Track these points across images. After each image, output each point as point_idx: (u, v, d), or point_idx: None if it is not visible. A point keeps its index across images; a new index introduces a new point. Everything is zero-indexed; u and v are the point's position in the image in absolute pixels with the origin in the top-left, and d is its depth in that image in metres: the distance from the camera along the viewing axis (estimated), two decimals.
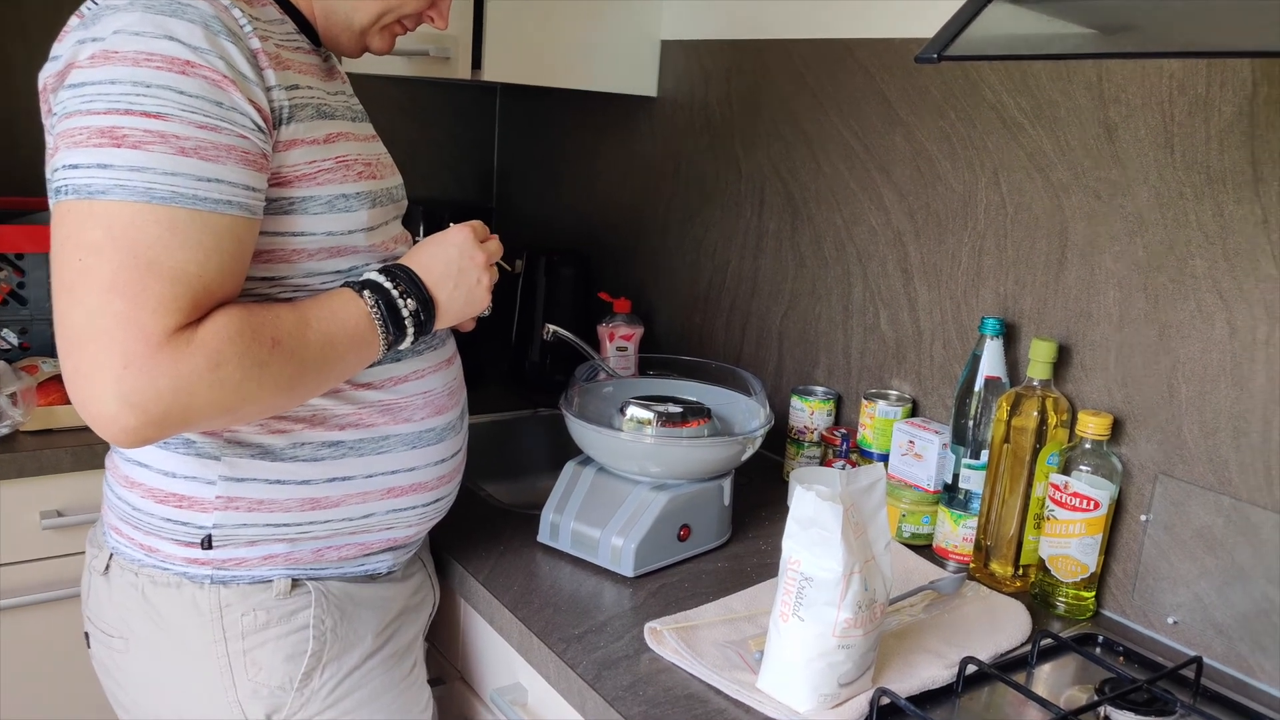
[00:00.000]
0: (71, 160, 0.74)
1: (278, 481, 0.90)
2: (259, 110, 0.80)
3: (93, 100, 0.75)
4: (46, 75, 0.82)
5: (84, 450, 1.38)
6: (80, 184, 0.74)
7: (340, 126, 0.90)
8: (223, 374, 0.76)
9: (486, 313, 1.00)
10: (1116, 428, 1.12)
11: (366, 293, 0.88)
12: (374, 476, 0.95)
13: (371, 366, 0.92)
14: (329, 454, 0.91)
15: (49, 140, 0.82)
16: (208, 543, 0.90)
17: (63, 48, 0.80)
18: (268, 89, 0.81)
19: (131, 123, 0.74)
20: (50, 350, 1.54)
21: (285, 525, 0.91)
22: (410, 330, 0.91)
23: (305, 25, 0.92)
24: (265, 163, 0.81)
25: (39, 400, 1.39)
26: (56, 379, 1.43)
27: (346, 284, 0.89)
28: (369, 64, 1.76)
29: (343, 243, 0.89)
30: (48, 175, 0.80)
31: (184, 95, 0.75)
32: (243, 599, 0.91)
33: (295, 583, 0.93)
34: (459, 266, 0.94)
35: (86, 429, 1.41)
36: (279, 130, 0.83)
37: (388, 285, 0.89)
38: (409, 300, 0.90)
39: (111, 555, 0.95)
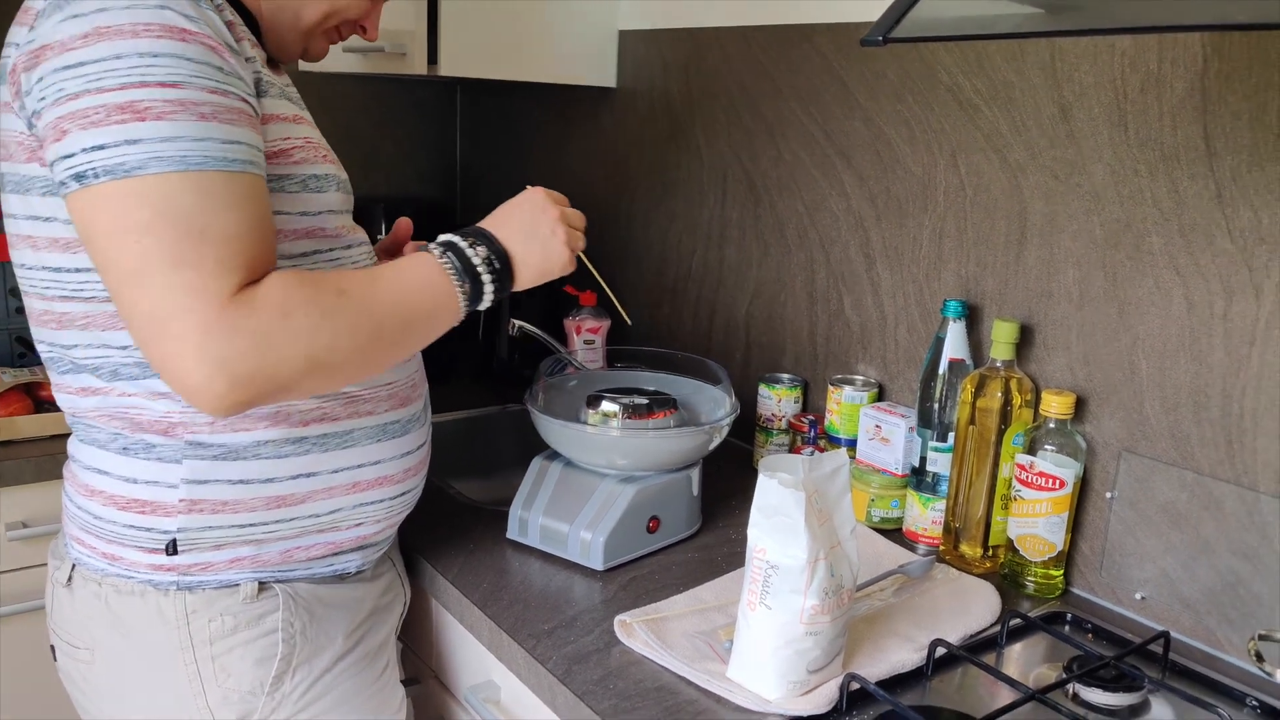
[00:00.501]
0: (94, 141, 0.73)
1: (241, 481, 0.89)
2: (247, 78, 0.81)
3: (101, 78, 0.73)
4: (14, 59, 0.78)
5: (47, 460, 1.36)
6: (112, 164, 0.73)
7: (298, 110, 0.91)
8: (293, 323, 0.76)
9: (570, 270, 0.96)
10: (1080, 406, 1.12)
11: (434, 246, 0.88)
12: (339, 471, 0.93)
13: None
14: (293, 450, 0.90)
15: (23, 128, 0.79)
16: (172, 548, 0.88)
17: (38, 32, 0.76)
18: (246, 59, 0.82)
19: (149, 95, 0.73)
20: (10, 361, 1.52)
21: (251, 525, 0.90)
22: (487, 280, 0.88)
23: (250, 23, 0.91)
24: (260, 129, 0.82)
25: (0, 411, 1.37)
26: (18, 389, 1.41)
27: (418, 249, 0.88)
28: (326, 62, 1.74)
29: (314, 224, 0.89)
30: (46, 165, 0.77)
31: (190, 62, 0.75)
32: (209, 604, 0.90)
33: (262, 586, 0.92)
34: (532, 219, 0.93)
35: (49, 439, 1.40)
36: (260, 103, 0.83)
37: (455, 238, 0.88)
38: (479, 248, 0.88)
39: (74, 566, 0.93)
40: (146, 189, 0.73)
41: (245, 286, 0.75)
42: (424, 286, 0.85)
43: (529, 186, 0.96)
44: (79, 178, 0.74)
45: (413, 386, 1.00)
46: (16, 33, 0.80)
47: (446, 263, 0.86)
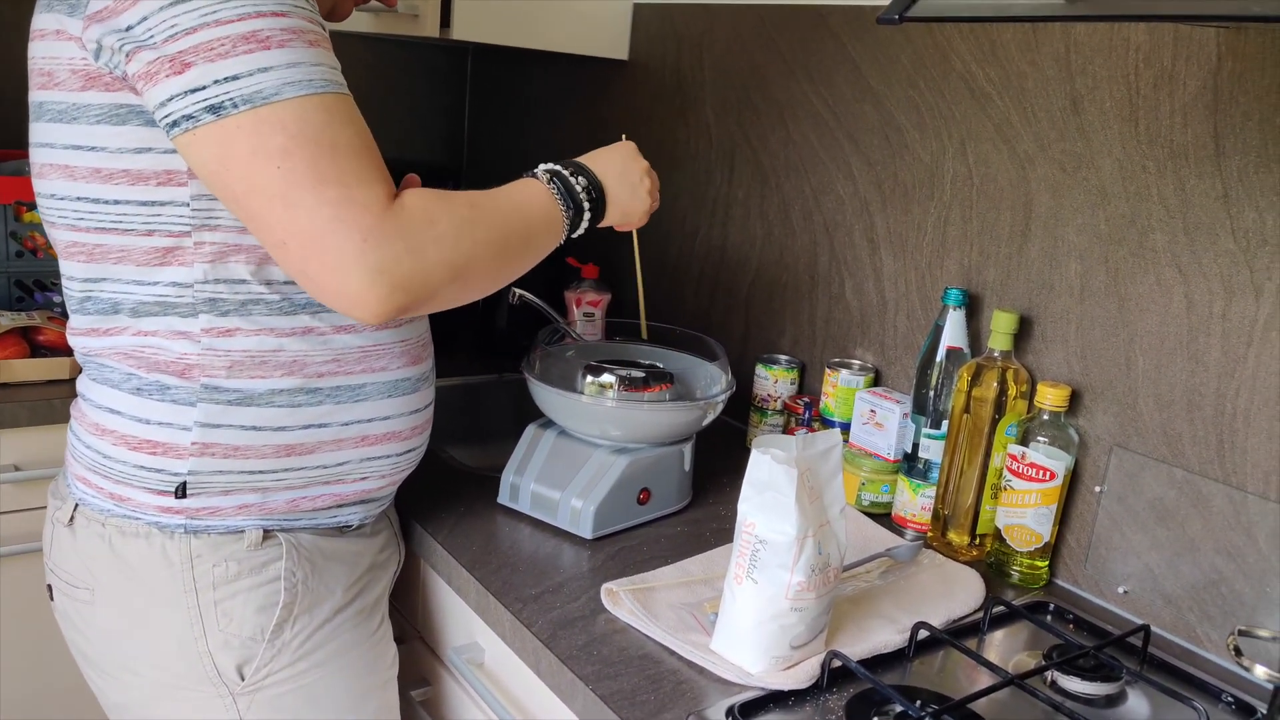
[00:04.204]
0: (226, 72, 0.75)
1: (254, 428, 0.89)
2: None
3: (218, 10, 0.75)
4: (99, 4, 0.78)
5: (41, 405, 1.36)
6: (250, 92, 0.75)
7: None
8: (439, 230, 0.80)
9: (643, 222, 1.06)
10: (1074, 399, 1.13)
11: (540, 172, 0.94)
12: (350, 424, 0.94)
13: None
14: (306, 400, 0.91)
15: (85, 56, 0.79)
16: (182, 491, 0.89)
17: None
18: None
19: (267, 24, 0.76)
20: (8, 304, 1.52)
21: (260, 473, 0.91)
22: (586, 206, 0.96)
23: None
24: None
25: None
26: (14, 332, 1.41)
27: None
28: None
29: None
30: (160, 101, 0.77)
31: None
32: (214, 549, 0.91)
33: (266, 534, 0.93)
34: (625, 164, 1.01)
35: (44, 384, 1.39)
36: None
37: (557, 166, 0.96)
38: (580, 178, 0.96)
39: (76, 506, 0.93)
40: (281, 114, 0.75)
41: (389, 196, 0.79)
42: (536, 205, 0.92)
43: (624, 138, 1.05)
44: (215, 109, 0.75)
45: (423, 345, 1.01)
46: None
47: (553, 188, 0.93)
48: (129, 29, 0.76)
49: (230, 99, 0.75)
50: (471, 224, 0.84)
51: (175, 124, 0.77)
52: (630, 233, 1.15)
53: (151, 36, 0.75)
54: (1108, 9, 0.70)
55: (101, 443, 0.91)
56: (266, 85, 0.75)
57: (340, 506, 0.98)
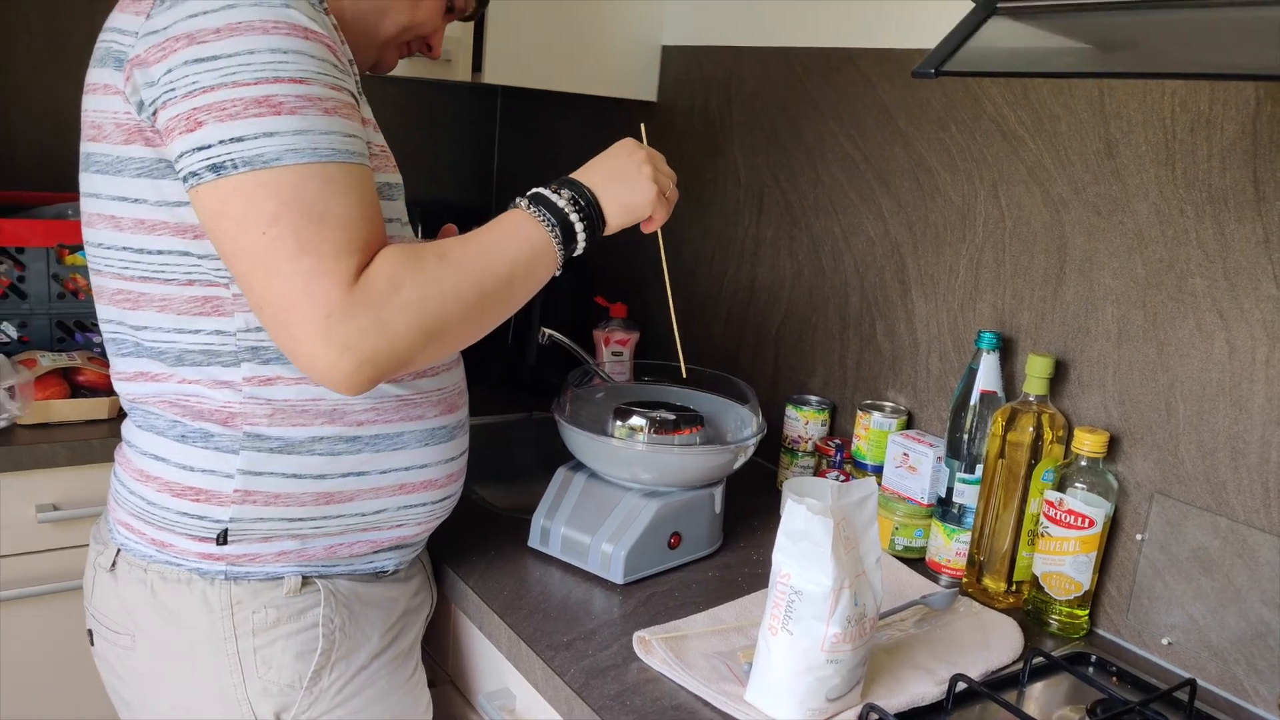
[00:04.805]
0: (232, 134, 0.76)
1: (294, 475, 0.90)
2: (352, 78, 0.84)
3: (237, 72, 0.76)
4: (141, 49, 0.79)
5: (80, 445, 1.38)
6: (251, 155, 0.76)
7: (373, 116, 0.92)
8: (404, 296, 0.78)
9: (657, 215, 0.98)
10: (1113, 445, 1.11)
11: (521, 200, 0.90)
12: (388, 473, 0.95)
13: None
14: (346, 449, 0.92)
15: (129, 110, 0.81)
16: (223, 538, 0.90)
17: (158, 21, 0.78)
18: (350, 60, 0.85)
19: (282, 90, 0.76)
20: (49, 344, 1.54)
21: (300, 520, 0.91)
22: (576, 220, 0.90)
23: None
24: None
25: (36, 394, 1.39)
26: (54, 373, 1.43)
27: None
28: None
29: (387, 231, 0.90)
30: (162, 150, 0.80)
31: (314, 59, 0.79)
32: (254, 596, 0.91)
33: (305, 580, 0.93)
34: (617, 161, 0.95)
35: (84, 424, 1.41)
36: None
37: (540, 189, 0.91)
38: (563, 191, 0.90)
39: (119, 551, 0.94)
40: (279, 180, 0.76)
41: (360, 269, 0.78)
42: (518, 239, 0.87)
43: (642, 126, 1.00)
44: (216, 168, 0.76)
45: (459, 393, 1.02)
46: (126, 20, 0.82)
47: (535, 212, 0.88)
48: (157, 81, 0.78)
49: (232, 160, 0.76)
50: (440, 281, 0.81)
51: (186, 179, 0.79)
52: (658, 240, 1.06)
53: (174, 91, 0.77)
54: (1142, 66, 0.70)
55: (146, 489, 0.91)
56: (269, 150, 0.76)
57: (377, 553, 0.98)
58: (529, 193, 0.91)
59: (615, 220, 0.94)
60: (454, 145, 2.14)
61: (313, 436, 0.90)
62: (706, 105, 1.65)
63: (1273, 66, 0.68)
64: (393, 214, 0.92)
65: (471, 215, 2.20)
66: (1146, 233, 1.08)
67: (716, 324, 1.66)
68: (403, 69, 1.69)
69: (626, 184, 0.94)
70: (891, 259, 1.37)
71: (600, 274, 1.88)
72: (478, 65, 1.55)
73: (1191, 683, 0.98)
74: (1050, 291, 1.18)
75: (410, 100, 2.07)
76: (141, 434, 0.92)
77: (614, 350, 1.68)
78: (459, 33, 1.53)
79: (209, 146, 0.76)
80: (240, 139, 0.76)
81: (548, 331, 1.35)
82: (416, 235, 1.74)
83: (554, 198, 0.90)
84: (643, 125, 1.05)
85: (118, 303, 0.89)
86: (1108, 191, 1.11)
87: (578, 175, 0.93)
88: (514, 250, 0.86)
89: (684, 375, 1.15)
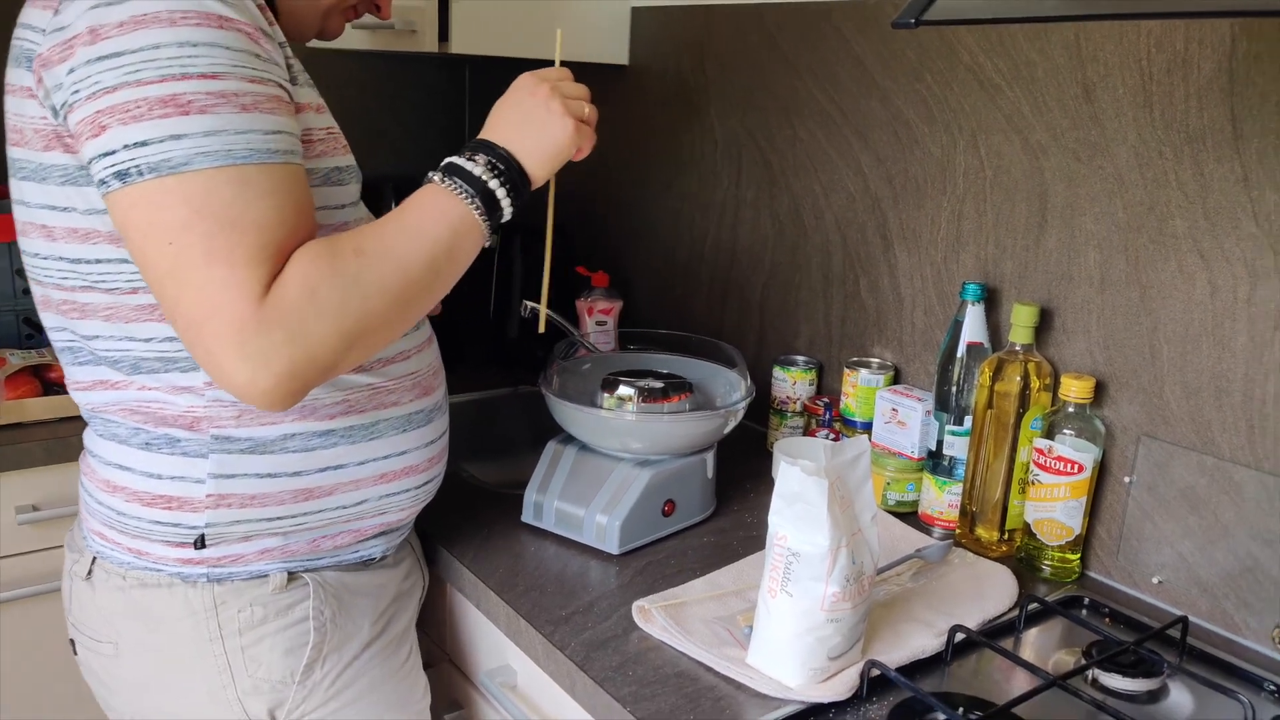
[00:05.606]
0: (136, 137, 0.70)
1: (269, 475, 0.88)
2: (281, 65, 0.79)
3: (139, 69, 0.70)
4: (45, 47, 0.74)
5: (56, 444, 1.36)
6: (157, 160, 0.70)
7: (319, 99, 0.88)
8: (321, 299, 0.73)
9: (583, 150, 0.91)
10: (1099, 390, 1.12)
11: (433, 173, 0.84)
12: (366, 463, 0.93)
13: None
14: (320, 443, 0.89)
15: (45, 115, 0.76)
16: (201, 542, 0.87)
17: (64, 17, 0.73)
18: (279, 43, 0.80)
19: (192, 87, 0.71)
20: (18, 342, 1.51)
21: (280, 519, 0.89)
22: (497, 186, 0.83)
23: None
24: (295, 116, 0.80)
25: (8, 394, 1.37)
26: (26, 371, 1.40)
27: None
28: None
29: (333, 219, 0.87)
30: (76, 156, 0.75)
31: (230, 50, 0.73)
32: (238, 595, 0.89)
33: (291, 575, 0.92)
34: (521, 106, 0.88)
35: (58, 421, 1.39)
36: (293, 91, 0.81)
37: (453, 158, 0.84)
38: (477, 156, 0.84)
39: (95, 559, 0.92)
40: (188, 185, 0.71)
41: (272, 277, 0.73)
42: (438, 218, 0.81)
43: (558, 33, 0.91)
44: (121, 176, 0.71)
45: (434, 374, 1.00)
46: (35, 15, 0.77)
47: (451, 185, 0.82)
48: (63, 83, 0.73)
49: (137, 166, 0.71)
50: (359, 279, 0.75)
51: (98, 186, 0.74)
52: (547, 184, 0.95)
53: (79, 93, 0.72)
54: (1122, 7, 0.69)
55: (114, 499, 0.89)
56: (176, 154, 0.70)
57: (362, 542, 0.97)
58: (442, 163, 0.84)
59: (539, 173, 0.88)
60: (423, 118, 2.10)
61: (284, 434, 0.87)
62: (680, 66, 1.62)
63: (1248, 3, 0.67)
64: (344, 199, 0.88)
65: None
66: (1126, 176, 1.08)
67: (700, 288, 1.65)
68: (366, 42, 1.66)
69: (540, 129, 0.87)
70: (873, 214, 1.36)
71: (580, 243, 1.87)
72: (444, 35, 1.52)
73: (1183, 620, 0.99)
74: (1033, 240, 1.17)
75: (374, 75, 2.02)
76: (104, 443, 0.89)
77: (598, 320, 1.66)
78: (423, 2, 1.50)
79: (114, 152, 0.71)
80: (144, 143, 0.70)
81: (530, 304, 1.33)
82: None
83: (469, 166, 0.83)
84: (558, 32, 0.96)
85: (64, 312, 0.85)
86: (1086, 136, 1.10)
87: (487, 134, 0.87)
88: (435, 231, 0.81)
89: (541, 330, 1.04)
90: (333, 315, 0.74)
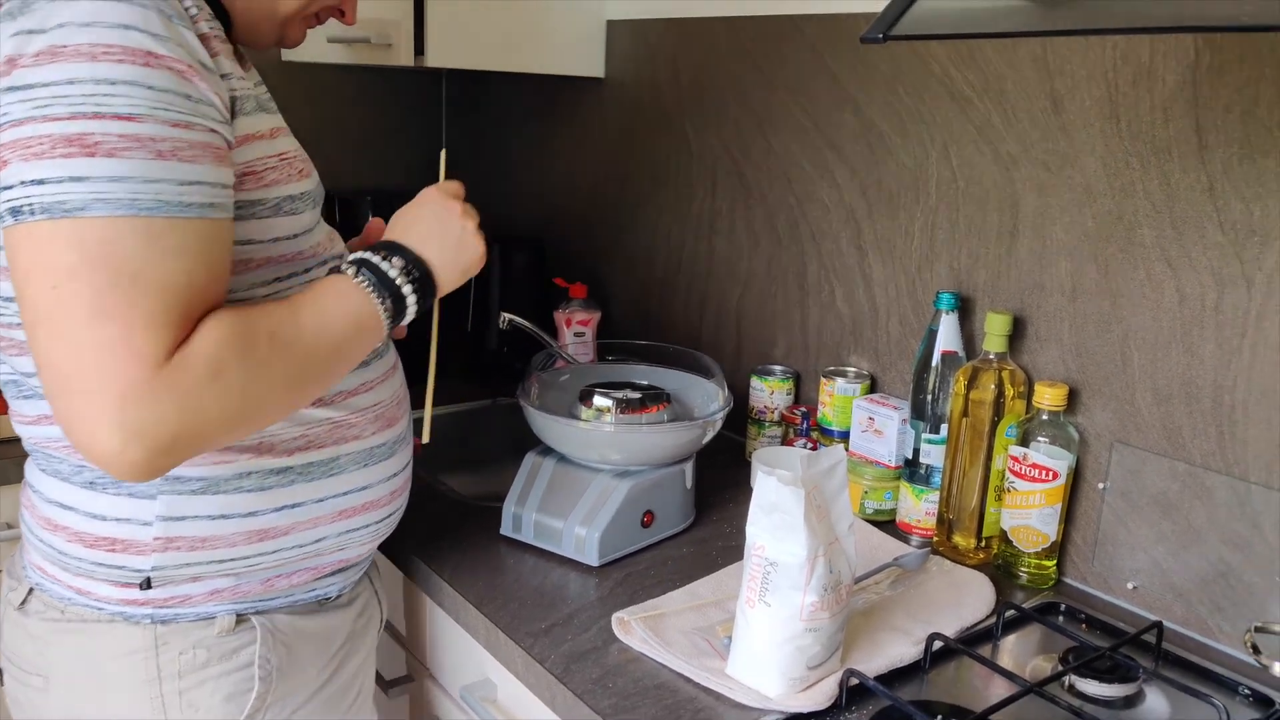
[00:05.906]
0: (34, 175, 0.66)
1: (221, 516, 0.83)
2: (221, 100, 0.74)
3: (49, 104, 0.66)
4: None
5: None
6: (50, 201, 0.66)
7: (275, 121, 0.85)
8: (225, 381, 0.70)
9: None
10: (1072, 397, 1.13)
11: (347, 266, 0.83)
12: (325, 500, 0.89)
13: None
14: (276, 482, 0.86)
15: None
16: (147, 584, 0.83)
17: None
18: (223, 76, 0.76)
19: (103, 127, 0.66)
20: None
21: (231, 560, 0.85)
22: (408, 291, 0.84)
23: (219, 12, 0.84)
24: (231, 158, 0.76)
25: None
26: None
27: (330, 269, 0.85)
28: (309, 53, 1.72)
29: (287, 249, 0.84)
30: None
31: (153, 90, 0.68)
32: (182, 636, 0.85)
33: (240, 618, 0.87)
34: (437, 220, 0.89)
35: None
36: (234, 124, 0.77)
37: (367, 254, 0.84)
38: (394, 259, 0.84)
39: (32, 590, 0.87)
40: (83, 232, 0.66)
41: (179, 344, 0.69)
42: (346, 311, 0.80)
43: (425, 189, 0.93)
44: (14, 212, 0.67)
45: (398, 404, 0.97)
46: None
47: (363, 280, 0.82)
48: None
49: (30, 205, 0.66)
50: (268, 366, 0.73)
51: None
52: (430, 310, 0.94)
53: None
54: (1087, 22, 0.71)
55: (55, 538, 0.84)
56: (73, 197, 0.66)
57: (318, 580, 0.93)
58: (353, 257, 0.83)
59: (449, 286, 0.89)
60: (400, 131, 2.10)
61: (239, 472, 0.83)
62: (655, 79, 1.63)
63: (1210, 18, 0.68)
64: (296, 228, 0.85)
65: None
66: (1095, 186, 1.09)
67: (677, 299, 1.66)
68: (343, 56, 1.66)
69: (457, 246, 0.89)
70: (847, 225, 1.37)
71: (557, 255, 1.87)
72: (420, 49, 1.52)
73: (1158, 625, 1.00)
74: (1005, 249, 1.19)
75: (352, 87, 2.02)
76: (45, 479, 0.85)
77: (576, 331, 1.67)
78: (399, 16, 1.50)
79: (10, 187, 0.67)
80: (42, 181, 0.66)
81: (508, 316, 1.34)
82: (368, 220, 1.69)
83: (384, 266, 0.83)
84: (443, 152, 0.99)
85: (3, 348, 0.81)
86: (1056, 147, 1.12)
87: (403, 239, 0.87)
88: (342, 323, 0.80)
89: (425, 440, 1.00)
90: (234, 397, 0.71)
